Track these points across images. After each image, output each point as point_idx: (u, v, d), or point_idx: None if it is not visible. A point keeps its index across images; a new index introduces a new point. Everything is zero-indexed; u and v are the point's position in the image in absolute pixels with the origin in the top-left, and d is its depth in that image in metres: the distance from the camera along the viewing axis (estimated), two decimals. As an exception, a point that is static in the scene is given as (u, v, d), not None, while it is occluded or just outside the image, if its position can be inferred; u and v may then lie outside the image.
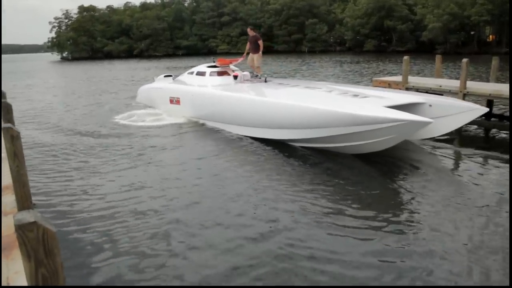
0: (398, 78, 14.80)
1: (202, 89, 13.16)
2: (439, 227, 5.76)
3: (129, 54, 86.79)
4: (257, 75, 13.92)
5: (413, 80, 14.56)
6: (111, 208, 6.61)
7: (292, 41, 79.20)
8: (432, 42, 58.72)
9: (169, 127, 12.64)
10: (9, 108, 6.08)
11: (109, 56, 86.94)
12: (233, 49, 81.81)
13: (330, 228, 5.78)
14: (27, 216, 1.72)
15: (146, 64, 54.74)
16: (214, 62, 14.41)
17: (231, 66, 14.31)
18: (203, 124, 12.52)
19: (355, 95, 10.20)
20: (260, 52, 14.03)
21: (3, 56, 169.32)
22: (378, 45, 67.33)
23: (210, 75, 13.58)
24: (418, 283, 4.54)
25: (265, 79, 13.46)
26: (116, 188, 7.59)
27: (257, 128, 10.63)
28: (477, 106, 9.51)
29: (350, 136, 8.65)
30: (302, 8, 77.43)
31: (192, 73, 14.42)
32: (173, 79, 15.87)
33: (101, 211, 6.51)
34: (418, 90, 13.69)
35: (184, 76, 14.90)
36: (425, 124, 7.90)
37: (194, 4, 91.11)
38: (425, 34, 58.64)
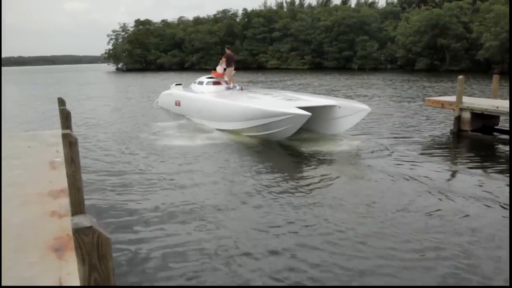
0: (452, 98, 14.33)
1: (190, 94, 17.37)
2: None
3: (180, 67, 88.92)
4: (238, 86, 17.60)
5: (468, 100, 14.06)
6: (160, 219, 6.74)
7: (342, 58, 78.45)
8: (488, 61, 56.46)
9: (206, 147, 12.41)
10: (68, 115, 6.37)
11: (161, 68, 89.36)
12: (283, 65, 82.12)
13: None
14: (84, 221, 1.77)
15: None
16: (211, 74, 18.48)
17: (226, 78, 17.82)
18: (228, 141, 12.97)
19: (290, 99, 13.38)
20: (228, 68, 17.58)
21: (66, 66, 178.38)
22: (431, 64, 65.35)
23: (207, 84, 17.43)
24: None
25: (241, 88, 17.47)
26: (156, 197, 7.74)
27: (221, 122, 13.85)
28: (366, 107, 12.51)
29: (268, 125, 11.91)
30: (353, 25, 76.68)
31: (195, 82, 18.37)
32: (183, 87, 20.05)
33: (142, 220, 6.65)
34: (473, 111, 13.22)
35: (192, 84, 18.84)
36: (306, 116, 11.08)
37: (246, 19, 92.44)
38: (481, 53, 56.47)
